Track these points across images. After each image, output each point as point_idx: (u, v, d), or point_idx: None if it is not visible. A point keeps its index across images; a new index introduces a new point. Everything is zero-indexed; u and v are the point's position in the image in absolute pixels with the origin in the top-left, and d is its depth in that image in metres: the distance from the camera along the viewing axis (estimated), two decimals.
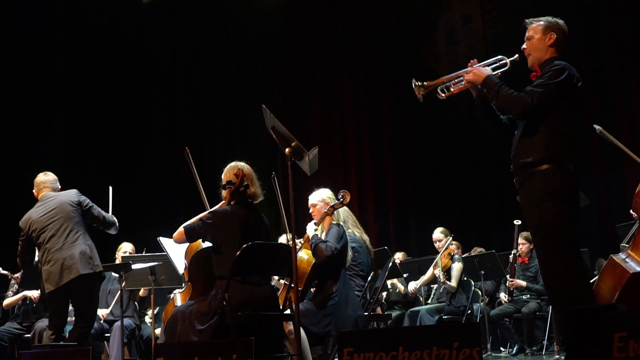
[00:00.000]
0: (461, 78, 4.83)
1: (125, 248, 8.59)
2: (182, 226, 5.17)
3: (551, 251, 4.42)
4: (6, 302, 8.52)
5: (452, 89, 4.88)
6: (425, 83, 4.90)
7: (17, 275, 8.37)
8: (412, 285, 8.99)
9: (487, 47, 10.79)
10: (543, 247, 4.50)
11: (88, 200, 6.71)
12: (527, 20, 4.77)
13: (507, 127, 4.85)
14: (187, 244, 5.39)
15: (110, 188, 7.09)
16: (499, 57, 4.82)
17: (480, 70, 4.73)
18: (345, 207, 6.39)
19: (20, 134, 10.75)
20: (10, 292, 8.43)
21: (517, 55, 4.76)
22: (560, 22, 4.70)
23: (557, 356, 7.22)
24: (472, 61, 4.84)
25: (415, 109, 11.53)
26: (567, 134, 4.50)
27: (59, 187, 6.85)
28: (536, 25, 4.69)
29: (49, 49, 11.52)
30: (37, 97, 11.41)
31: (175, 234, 5.22)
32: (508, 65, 4.77)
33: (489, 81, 4.65)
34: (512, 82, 4.64)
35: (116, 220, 6.82)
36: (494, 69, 4.77)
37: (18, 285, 8.35)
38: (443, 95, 4.90)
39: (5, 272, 8.27)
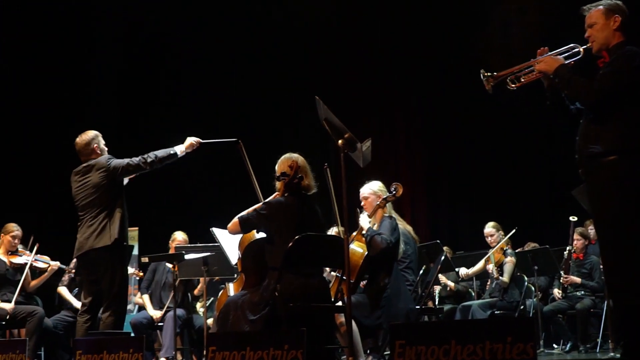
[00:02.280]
0: (532, 67, 4.67)
1: (178, 237, 8.66)
2: (237, 217, 5.21)
3: (618, 245, 4.26)
4: (60, 290, 8.61)
5: (522, 79, 4.71)
6: (494, 73, 4.76)
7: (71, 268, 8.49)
8: (464, 271, 8.89)
9: (543, 39, 10.58)
10: (609, 241, 4.35)
11: (116, 164, 6.41)
12: (584, 7, 4.57)
13: (576, 117, 4.64)
14: (241, 235, 5.43)
15: None
16: (572, 45, 4.63)
17: (552, 59, 4.57)
18: None
19: (77, 121, 10.96)
20: (66, 277, 8.57)
21: (590, 43, 4.55)
22: (620, 2, 4.51)
23: (612, 354, 7.09)
24: (541, 49, 4.68)
25: (468, 101, 11.44)
26: (637, 124, 4.31)
27: (93, 147, 6.51)
28: (596, 11, 4.49)
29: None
30: (94, 91, 11.64)
31: (229, 225, 5.25)
32: (581, 53, 4.58)
33: (561, 70, 4.48)
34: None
35: None
36: (566, 58, 4.59)
37: (73, 274, 8.47)
38: (513, 86, 4.73)
39: (65, 266, 8.40)
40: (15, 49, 11.42)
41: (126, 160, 6.36)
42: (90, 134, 6.55)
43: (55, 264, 8.09)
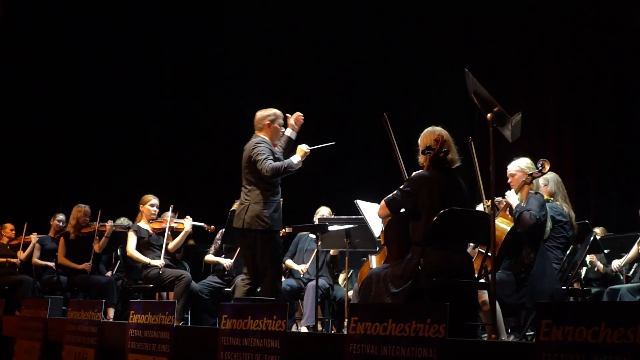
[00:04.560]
0: None
1: (323, 212, 8.83)
2: (383, 200, 5.24)
3: None
4: (207, 258, 9.00)
5: None
6: None
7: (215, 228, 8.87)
8: (616, 264, 8.56)
9: None
10: None
11: (256, 153, 6.30)
12: None
13: None
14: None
15: None
16: None
17: None
18: (558, 179, 6.24)
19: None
20: (212, 248, 8.89)
21: None
22: None
23: None
24: None
25: (620, 74, 10.95)
26: None
27: (265, 124, 6.49)
28: None
29: None
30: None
31: (378, 210, 5.33)
32: None
33: None
34: None
35: (282, 167, 6.29)
36: None
37: (220, 240, 8.78)
38: None
39: (202, 224, 8.74)
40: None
41: (264, 157, 6.24)
42: (270, 110, 6.57)
43: (189, 223, 8.39)
